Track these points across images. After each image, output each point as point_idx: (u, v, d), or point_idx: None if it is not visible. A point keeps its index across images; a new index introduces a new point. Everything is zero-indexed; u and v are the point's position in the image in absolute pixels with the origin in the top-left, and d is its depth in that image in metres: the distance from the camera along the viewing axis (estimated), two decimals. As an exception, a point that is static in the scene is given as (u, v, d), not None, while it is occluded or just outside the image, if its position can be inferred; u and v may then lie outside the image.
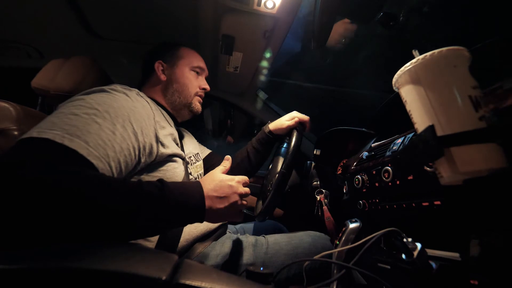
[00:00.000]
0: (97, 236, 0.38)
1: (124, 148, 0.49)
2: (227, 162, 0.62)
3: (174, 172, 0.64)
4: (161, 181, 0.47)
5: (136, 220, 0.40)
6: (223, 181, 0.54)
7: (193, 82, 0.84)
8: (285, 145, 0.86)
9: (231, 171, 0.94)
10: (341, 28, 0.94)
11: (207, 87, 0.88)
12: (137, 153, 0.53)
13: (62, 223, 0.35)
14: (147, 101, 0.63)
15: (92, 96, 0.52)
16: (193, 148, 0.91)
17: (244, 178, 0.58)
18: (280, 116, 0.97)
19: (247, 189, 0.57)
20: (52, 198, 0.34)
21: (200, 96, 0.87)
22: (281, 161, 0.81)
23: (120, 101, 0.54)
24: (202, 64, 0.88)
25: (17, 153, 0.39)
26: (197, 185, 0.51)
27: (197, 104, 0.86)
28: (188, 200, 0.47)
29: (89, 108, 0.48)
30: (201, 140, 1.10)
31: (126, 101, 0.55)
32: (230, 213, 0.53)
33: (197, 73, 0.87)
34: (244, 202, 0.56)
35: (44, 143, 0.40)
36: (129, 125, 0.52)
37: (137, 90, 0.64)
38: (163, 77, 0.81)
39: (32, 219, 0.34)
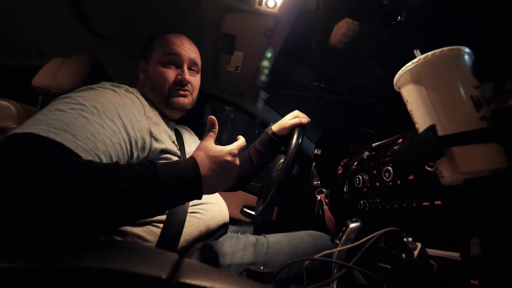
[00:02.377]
0: (98, 224, 0.38)
1: (115, 142, 0.48)
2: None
3: None
4: (151, 161, 0.46)
5: (135, 198, 0.39)
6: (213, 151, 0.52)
7: (165, 76, 0.72)
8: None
9: None
10: (343, 28, 0.94)
11: (184, 77, 0.73)
12: (128, 147, 0.52)
13: (60, 214, 0.34)
14: (137, 97, 0.62)
15: (79, 93, 0.51)
16: (195, 146, 0.91)
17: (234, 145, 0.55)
18: (281, 116, 0.97)
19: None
20: (44, 190, 0.33)
21: (177, 90, 0.73)
22: (282, 159, 0.81)
23: (108, 96, 0.53)
24: (175, 48, 0.73)
25: None
26: (189, 158, 0.51)
27: (176, 100, 0.73)
28: (181, 167, 0.47)
29: (75, 104, 0.47)
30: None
31: (115, 96, 0.55)
32: (226, 169, 0.51)
33: (173, 63, 0.74)
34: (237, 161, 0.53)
35: (28, 138, 0.38)
36: (118, 119, 0.51)
37: (126, 86, 0.63)
38: (141, 76, 0.77)
39: (25, 216, 0.33)
